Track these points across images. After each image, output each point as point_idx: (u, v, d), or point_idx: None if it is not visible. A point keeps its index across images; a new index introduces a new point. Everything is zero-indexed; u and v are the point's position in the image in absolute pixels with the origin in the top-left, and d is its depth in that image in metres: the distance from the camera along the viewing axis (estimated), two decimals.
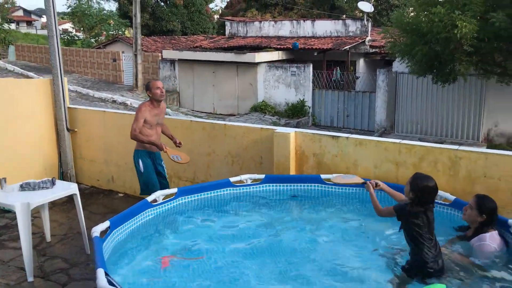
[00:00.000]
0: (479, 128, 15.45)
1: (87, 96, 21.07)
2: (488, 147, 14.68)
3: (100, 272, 2.91)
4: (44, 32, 49.36)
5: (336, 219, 4.54)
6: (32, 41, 39.29)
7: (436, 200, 4.36)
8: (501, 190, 4.26)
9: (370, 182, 3.95)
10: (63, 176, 7.38)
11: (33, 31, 56.54)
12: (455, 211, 4.22)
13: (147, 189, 5.22)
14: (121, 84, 23.96)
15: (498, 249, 3.59)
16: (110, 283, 2.85)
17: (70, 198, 4.95)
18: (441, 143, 15.18)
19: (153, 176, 5.28)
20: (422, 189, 3.38)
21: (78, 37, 37.76)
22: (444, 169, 4.56)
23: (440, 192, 4.40)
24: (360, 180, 4.08)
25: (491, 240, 3.60)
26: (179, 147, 5.39)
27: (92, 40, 35.73)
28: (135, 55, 21.73)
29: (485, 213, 3.65)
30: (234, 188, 4.89)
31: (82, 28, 36.37)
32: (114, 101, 20.34)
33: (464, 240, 3.83)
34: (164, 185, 5.42)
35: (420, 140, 15.62)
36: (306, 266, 3.79)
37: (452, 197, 4.30)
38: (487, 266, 3.52)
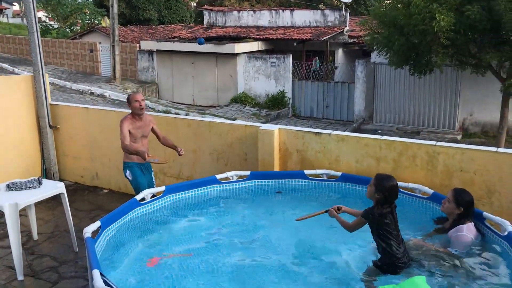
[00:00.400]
0: (455, 117, 15.85)
1: (65, 88, 20.79)
2: (463, 136, 15.12)
3: (96, 273, 2.98)
4: (16, 20, 48.21)
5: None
6: (4, 30, 38.27)
7: (415, 194, 4.58)
8: (476, 184, 4.47)
9: (332, 208, 3.89)
10: (46, 173, 7.37)
11: (3, 19, 55.04)
12: (434, 204, 4.41)
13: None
14: (99, 76, 23.68)
15: (474, 240, 3.80)
16: (106, 283, 2.93)
17: (55, 196, 4.98)
18: (418, 132, 15.57)
19: (142, 181, 5.18)
20: (389, 189, 3.51)
21: (52, 26, 36.99)
22: (423, 164, 4.75)
23: (418, 186, 4.61)
24: (322, 211, 3.97)
25: (468, 231, 3.80)
26: (181, 155, 5.29)
27: (67, 30, 35.09)
28: (113, 46, 21.47)
29: (462, 206, 3.85)
30: (221, 185, 5.00)
31: (56, 17, 35.66)
32: (92, 93, 20.13)
33: (442, 231, 4.03)
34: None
35: (398, 129, 15.97)
36: (289, 259, 3.94)
37: (431, 191, 4.49)
38: (464, 255, 3.72)
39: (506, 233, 3.63)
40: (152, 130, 5.36)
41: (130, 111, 5.18)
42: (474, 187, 4.46)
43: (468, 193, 3.93)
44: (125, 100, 5.22)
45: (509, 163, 4.31)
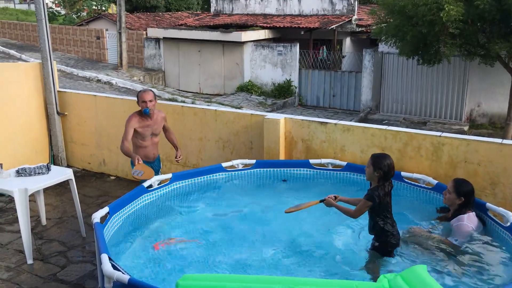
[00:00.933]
0: (462, 108, 15.78)
1: (71, 75, 20.85)
2: (470, 127, 15.06)
3: (104, 258, 3.05)
4: (23, 6, 48.19)
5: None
6: (11, 17, 38.31)
7: (419, 184, 4.62)
8: (479, 175, 4.50)
9: (328, 197, 3.87)
10: (54, 159, 7.46)
11: (11, 5, 55.08)
12: (438, 194, 4.44)
13: None
14: (105, 63, 23.70)
15: (475, 229, 3.85)
16: (114, 267, 3.00)
17: (62, 182, 5.05)
18: (425, 123, 15.53)
19: None
20: (386, 165, 3.59)
21: (59, 13, 36.97)
22: (427, 154, 4.77)
23: (423, 176, 4.65)
24: (315, 201, 3.92)
25: (469, 220, 3.85)
26: (177, 161, 5.21)
27: (74, 16, 35.06)
28: (120, 33, 21.46)
29: (463, 196, 3.90)
30: (226, 173, 5.05)
31: (63, 3, 35.62)
32: (99, 80, 20.18)
33: (444, 221, 4.07)
34: None
35: (405, 119, 15.93)
36: (294, 246, 4.01)
37: (435, 181, 4.52)
38: (464, 244, 3.76)
39: (508, 224, 3.66)
40: (163, 127, 5.23)
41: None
42: (478, 178, 4.49)
43: (468, 182, 3.97)
44: (132, 87, 5.11)
45: None
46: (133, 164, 4.84)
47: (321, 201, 3.90)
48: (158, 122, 5.08)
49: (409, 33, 11.96)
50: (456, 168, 4.62)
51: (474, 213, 3.92)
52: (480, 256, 3.67)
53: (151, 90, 5.03)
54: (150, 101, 4.87)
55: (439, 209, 4.29)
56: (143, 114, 4.93)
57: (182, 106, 6.38)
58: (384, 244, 3.67)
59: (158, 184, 4.63)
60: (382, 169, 3.57)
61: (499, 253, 3.64)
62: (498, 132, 13.99)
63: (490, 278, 3.42)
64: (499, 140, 4.50)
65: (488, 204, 3.97)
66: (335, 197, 3.91)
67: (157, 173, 5.33)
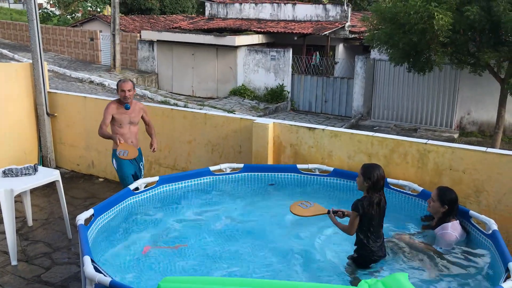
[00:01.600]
0: (452, 116, 15.90)
1: (64, 76, 20.79)
2: (460, 135, 15.18)
3: (87, 260, 3.05)
4: (17, 6, 48.01)
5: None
6: (5, 16, 38.18)
7: (404, 191, 4.65)
8: (464, 182, 4.54)
9: (336, 214, 3.86)
10: (43, 160, 7.44)
11: (5, 5, 54.84)
12: (422, 201, 4.48)
13: (125, 186, 5.22)
14: (99, 64, 23.66)
15: (459, 237, 3.88)
16: (96, 269, 3.00)
17: (50, 183, 5.05)
18: (416, 129, 15.63)
19: (126, 173, 5.19)
20: (376, 175, 3.57)
21: (54, 13, 36.88)
22: (413, 161, 4.81)
23: (408, 183, 4.68)
24: (323, 210, 3.93)
25: (453, 229, 3.88)
26: (153, 151, 5.36)
27: (69, 17, 34.98)
28: (113, 35, 21.45)
29: (447, 204, 3.93)
30: (214, 177, 5.06)
31: (58, 4, 35.53)
32: (91, 82, 20.14)
33: (429, 229, 4.10)
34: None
35: (396, 126, 16.03)
36: (278, 250, 4.02)
37: (420, 188, 4.56)
38: (448, 252, 3.80)
39: (490, 231, 3.70)
40: (142, 118, 5.40)
41: None
42: (463, 185, 4.53)
43: (452, 191, 4.01)
44: None
45: (497, 163, 4.37)
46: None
47: (327, 212, 3.87)
48: (135, 111, 5.28)
49: (401, 41, 12.06)
50: (442, 175, 4.66)
51: (458, 221, 3.96)
52: (463, 263, 3.70)
53: (130, 80, 5.29)
54: (129, 90, 5.13)
55: (424, 218, 4.32)
56: (122, 104, 5.17)
57: (171, 109, 6.39)
58: (362, 258, 3.65)
59: (144, 187, 4.64)
60: (371, 179, 3.56)
61: (481, 260, 3.68)
62: (487, 140, 14.12)
63: (470, 286, 3.45)
64: (483, 148, 4.55)
65: (471, 212, 4.01)
66: (343, 213, 3.85)
67: (138, 166, 5.37)
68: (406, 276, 3.02)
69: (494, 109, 13.80)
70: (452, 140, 14.27)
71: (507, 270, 3.10)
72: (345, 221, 3.77)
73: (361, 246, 3.63)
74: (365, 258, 3.63)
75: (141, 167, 5.45)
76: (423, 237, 4.06)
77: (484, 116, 15.42)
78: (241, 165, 5.19)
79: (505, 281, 2.97)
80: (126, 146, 5.01)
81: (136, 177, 5.24)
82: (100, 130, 5.10)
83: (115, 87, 5.33)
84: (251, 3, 23.38)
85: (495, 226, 3.71)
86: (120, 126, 5.17)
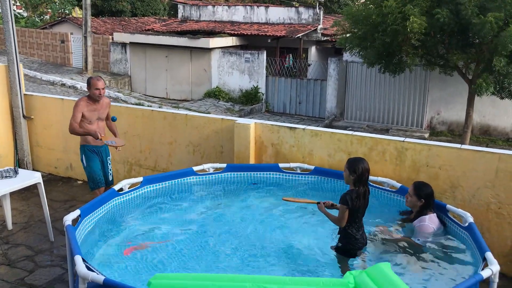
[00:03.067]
0: (423, 116, 16.33)
1: (35, 78, 20.37)
2: (430, 134, 15.60)
3: (78, 259, 3.07)
4: None
5: (291, 203, 4.86)
6: None
7: (383, 187, 4.81)
8: (441, 178, 4.73)
9: (323, 203, 3.95)
10: (19, 163, 7.32)
11: None
12: (401, 197, 4.64)
13: (93, 184, 5.31)
14: (70, 67, 23.27)
15: (436, 229, 4.06)
16: (88, 268, 3.02)
17: (29, 186, 5.00)
18: (387, 130, 15.98)
19: (96, 169, 5.27)
20: (361, 168, 3.71)
21: (21, 15, 36.05)
22: (391, 159, 4.98)
23: (387, 180, 4.84)
24: (312, 201, 4.07)
25: (430, 221, 4.07)
26: (118, 150, 5.37)
27: (37, 19, 34.26)
28: (85, 37, 21.14)
29: (423, 198, 4.12)
30: (197, 177, 5.11)
31: (25, 6, 34.76)
32: (63, 84, 19.80)
33: (408, 222, 4.27)
34: (107, 182, 5.46)
35: (368, 126, 16.35)
36: (264, 247, 4.11)
37: (398, 184, 4.73)
38: (426, 244, 3.97)
39: (466, 224, 3.88)
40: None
41: None
42: (439, 181, 4.72)
43: (428, 185, 4.19)
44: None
45: (471, 159, 4.58)
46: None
47: (317, 202, 3.99)
48: (104, 107, 5.36)
49: (373, 42, 12.32)
50: (419, 172, 4.83)
51: (435, 214, 4.14)
52: (441, 254, 3.88)
53: (101, 77, 5.37)
54: (103, 88, 5.21)
55: (402, 212, 4.50)
56: (93, 101, 5.22)
57: (152, 110, 6.40)
58: (345, 247, 3.79)
59: (128, 188, 4.65)
60: (356, 172, 3.69)
61: (458, 251, 3.86)
62: (456, 140, 14.56)
63: (450, 275, 3.61)
64: (458, 145, 4.75)
65: (448, 206, 4.20)
66: (332, 205, 3.96)
67: (106, 160, 5.46)
68: (389, 265, 3.16)
69: (462, 109, 14.25)
70: (423, 139, 14.64)
71: (484, 259, 3.27)
72: (334, 212, 3.88)
73: (346, 235, 3.77)
74: (349, 246, 3.78)
75: (109, 161, 5.53)
76: (402, 230, 4.22)
77: (453, 116, 15.90)
78: (224, 165, 5.26)
79: (483, 269, 3.14)
80: (109, 137, 5.27)
81: (104, 173, 5.38)
82: (72, 127, 5.11)
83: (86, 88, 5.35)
84: (224, 5, 23.45)
85: (471, 219, 3.90)
86: (90, 123, 5.22)
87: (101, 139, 5.16)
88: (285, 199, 4.21)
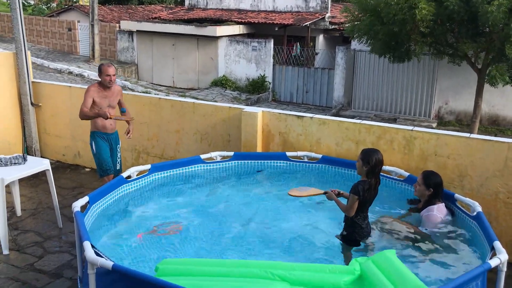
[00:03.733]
0: (430, 105, 16.22)
1: (42, 66, 20.43)
2: (438, 124, 15.51)
3: (87, 245, 3.09)
4: None
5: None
6: None
7: (391, 176, 4.79)
8: (449, 167, 4.71)
9: (332, 191, 3.93)
10: (28, 151, 7.37)
11: None
12: (409, 186, 4.63)
13: (101, 171, 5.36)
14: (77, 55, 23.30)
15: (444, 219, 4.04)
16: (97, 254, 3.05)
17: (37, 173, 5.03)
18: (395, 119, 15.90)
19: (105, 156, 5.32)
20: (374, 159, 3.69)
21: (28, 3, 36.07)
22: (400, 148, 4.96)
23: (395, 169, 4.83)
24: (319, 191, 4.04)
25: (438, 211, 4.05)
26: (127, 137, 5.41)
27: (44, 7, 34.27)
28: (92, 25, 21.13)
29: (432, 187, 4.09)
30: (205, 165, 5.12)
31: None
32: (70, 73, 19.85)
33: (415, 211, 4.26)
34: (116, 169, 5.52)
35: (376, 116, 16.28)
36: (271, 233, 4.13)
37: (406, 173, 4.71)
38: (433, 233, 3.96)
39: (475, 213, 3.86)
40: (118, 101, 5.51)
41: None
42: (447, 170, 4.70)
43: (437, 174, 4.16)
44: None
45: (480, 149, 4.55)
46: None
47: (324, 192, 3.97)
48: (115, 94, 5.38)
49: (381, 32, 12.23)
50: (427, 161, 4.81)
51: (443, 204, 4.12)
52: (448, 243, 3.86)
53: (112, 64, 5.40)
54: (114, 75, 5.25)
55: (409, 201, 4.48)
56: (104, 88, 5.25)
57: (159, 98, 6.40)
58: (350, 235, 3.80)
59: (137, 175, 4.67)
60: (370, 163, 3.67)
61: (466, 240, 3.84)
62: (465, 130, 14.46)
63: (457, 264, 3.61)
64: (467, 135, 4.72)
65: (457, 195, 4.18)
66: (339, 193, 3.95)
67: (115, 148, 5.49)
68: (394, 252, 3.17)
69: (471, 98, 14.14)
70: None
71: (492, 248, 3.26)
72: (343, 200, 3.88)
73: (352, 224, 3.77)
74: (354, 235, 3.78)
75: (118, 149, 5.56)
76: (409, 219, 4.21)
77: (461, 105, 15.78)
78: (231, 153, 5.26)
79: (491, 258, 3.13)
80: (117, 116, 5.35)
81: (114, 157, 5.45)
82: (82, 112, 5.12)
83: (95, 78, 5.39)
84: None
85: (479, 208, 3.88)
86: (100, 109, 5.23)
87: (110, 118, 5.16)
88: (291, 194, 4.12)
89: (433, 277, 3.47)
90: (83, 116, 5.16)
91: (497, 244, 3.24)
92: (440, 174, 4.22)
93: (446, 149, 4.71)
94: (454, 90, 15.75)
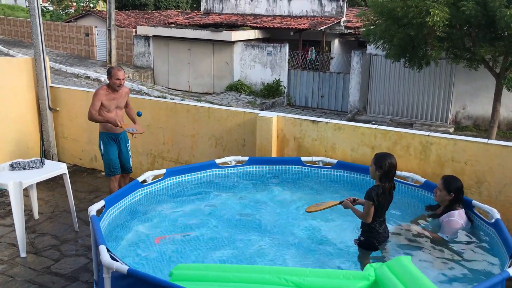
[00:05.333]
0: (447, 110, 16.04)
1: (60, 71, 20.74)
2: (455, 129, 15.33)
3: (103, 249, 3.11)
4: (9, 1, 47.58)
5: (313, 197, 4.85)
6: None
7: (407, 182, 4.74)
8: (466, 173, 4.64)
9: (347, 200, 3.91)
10: (45, 155, 7.46)
11: None
12: (425, 192, 4.57)
13: (108, 171, 5.50)
14: (94, 60, 23.61)
15: (464, 225, 3.98)
16: (112, 258, 3.07)
17: (54, 177, 5.10)
18: (411, 124, 15.75)
19: (112, 157, 5.47)
20: (387, 164, 3.66)
21: (47, 9, 36.64)
22: (416, 153, 4.90)
23: (411, 174, 4.77)
24: (335, 202, 4.00)
25: (459, 217, 3.98)
26: (134, 137, 5.56)
27: (62, 13, 34.77)
28: (109, 31, 21.39)
29: (453, 192, 4.02)
30: (220, 169, 5.13)
31: (50, 0, 35.31)
32: (87, 77, 20.11)
33: (434, 217, 4.19)
34: (125, 168, 5.64)
35: (392, 121, 16.15)
36: (285, 239, 4.11)
37: (423, 179, 4.65)
38: (452, 240, 3.90)
39: (493, 220, 3.79)
40: (126, 103, 5.64)
41: None
42: (465, 176, 4.62)
43: (457, 179, 4.10)
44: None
45: (499, 154, 4.47)
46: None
47: (340, 202, 3.93)
48: (123, 96, 5.50)
49: (397, 35, 12.15)
50: (444, 166, 4.75)
51: (463, 210, 4.05)
52: (466, 250, 3.80)
53: (121, 67, 5.56)
54: (123, 79, 5.37)
55: (428, 207, 4.41)
56: (113, 90, 5.36)
57: (175, 103, 6.43)
58: (368, 241, 3.76)
59: (152, 179, 4.70)
60: (383, 168, 3.65)
61: (484, 248, 3.78)
62: (482, 135, 14.27)
63: (475, 272, 3.55)
64: (485, 140, 4.64)
65: (474, 202, 4.11)
66: (354, 200, 3.91)
67: (125, 147, 5.62)
68: (409, 259, 3.12)
69: (489, 103, 13.95)
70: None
71: (511, 256, 3.20)
72: (359, 207, 3.85)
73: (369, 229, 3.74)
74: (372, 240, 3.74)
75: (128, 148, 5.68)
76: (428, 226, 4.15)
77: (479, 110, 15.57)
78: (246, 158, 5.26)
79: (510, 266, 3.07)
80: (129, 125, 5.47)
81: (123, 156, 5.58)
82: (90, 114, 5.29)
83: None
84: None
85: (498, 215, 3.81)
86: (108, 111, 5.38)
87: (121, 127, 5.34)
88: (309, 211, 4.06)
89: (451, 285, 3.42)
90: (91, 119, 5.33)
91: None
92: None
93: (463, 155, 4.65)
94: (471, 95, 15.56)
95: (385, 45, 13.41)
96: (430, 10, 10.83)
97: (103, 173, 7.17)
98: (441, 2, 11.01)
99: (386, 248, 3.84)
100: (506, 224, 3.96)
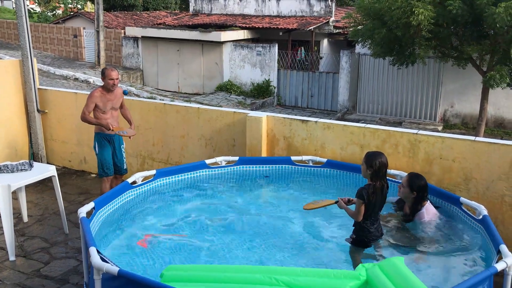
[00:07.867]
0: (436, 109, 16.17)
1: (48, 73, 20.57)
2: (444, 127, 15.46)
3: (93, 250, 3.10)
4: None
5: (303, 196, 4.88)
6: None
7: (395, 179, 4.78)
8: (454, 171, 4.69)
9: (342, 200, 3.93)
10: (34, 157, 7.41)
11: None
12: None
13: (102, 171, 5.53)
14: (83, 61, 23.45)
15: (437, 219, 4.04)
16: (103, 260, 3.06)
17: (43, 179, 5.07)
18: (400, 123, 15.86)
19: (106, 158, 5.51)
20: (378, 163, 3.68)
21: (34, 10, 36.33)
22: (404, 151, 4.94)
23: (400, 172, 4.81)
24: (331, 201, 4.02)
25: (428, 214, 4.04)
26: (129, 138, 5.59)
27: (49, 14, 34.50)
28: (97, 32, 21.25)
29: (415, 190, 4.04)
30: (210, 170, 5.13)
31: (38, 1, 35.02)
32: (76, 79, 19.97)
33: (406, 217, 4.17)
34: (119, 169, 5.66)
35: (381, 119, 16.25)
36: (276, 238, 4.12)
37: None
38: (440, 237, 3.94)
39: (481, 216, 3.84)
40: (121, 104, 5.68)
41: None
42: (453, 174, 4.68)
43: (422, 177, 4.12)
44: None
45: (486, 152, 4.53)
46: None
47: (336, 202, 3.95)
48: (117, 97, 5.56)
49: (384, 36, 12.20)
50: (432, 164, 4.80)
51: (429, 202, 4.08)
52: (454, 247, 3.85)
53: (115, 68, 5.60)
54: (117, 79, 5.41)
55: (395, 203, 4.42)
56: (107, 91, 5.40)
57: (164, 103, 6.42)
58: (359, 239, 3.79)
59: (142, 180, 4.69)
60: (373, 166, 3.67)
61: (472, 244, 3.82)
62: (470, 132, 14.40)
63: (464, 268, 3.59)
64: (472, 138, 4.70)
65: (462, 198, 4.16)
66: (349, 200, 3.93)
67: (119, 149, 5.64)
68: (402, 260, 3.15)
69: (477, 101, 14.08)
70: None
71: (499, 252, 3.24)
72: (352, 207, 3.88)
73: (360, 228, 3.77)
74: (363, 238, 3.77)
75: (122, 150, 5.71)
76: (405, 229, 4.16)
77: (467, 108, 15.72)
78: (236, 158, 5.27)
79: (497, 262, 3.11)
80: (120, 128, 5.49)
81: (117, 158, 5.60)
82: (84, 116, 5.32)
83: (100, 84, 5.57)
84: None
85: (485, 212, 3.86)
86: (103, 112, 5.42)
87: (112, 130, 5.36)
88: (306, 208, 4.09)
89: (439, 281, 3.46)
90: (84, 120, 5.36)
91: (503, 247, 3.23)
92: (445, 178, 4.27)
93: (451, 153, 4.70)
94: (459, 93, 15.70)
95: (372, 45, 13.48)
96: (414, 9, 10.91)
97: (93, 175, 7.16)
98: (426, 1, 11.09)
99: (379, 246, 3.86)
100: (494, 221, 4.02)
